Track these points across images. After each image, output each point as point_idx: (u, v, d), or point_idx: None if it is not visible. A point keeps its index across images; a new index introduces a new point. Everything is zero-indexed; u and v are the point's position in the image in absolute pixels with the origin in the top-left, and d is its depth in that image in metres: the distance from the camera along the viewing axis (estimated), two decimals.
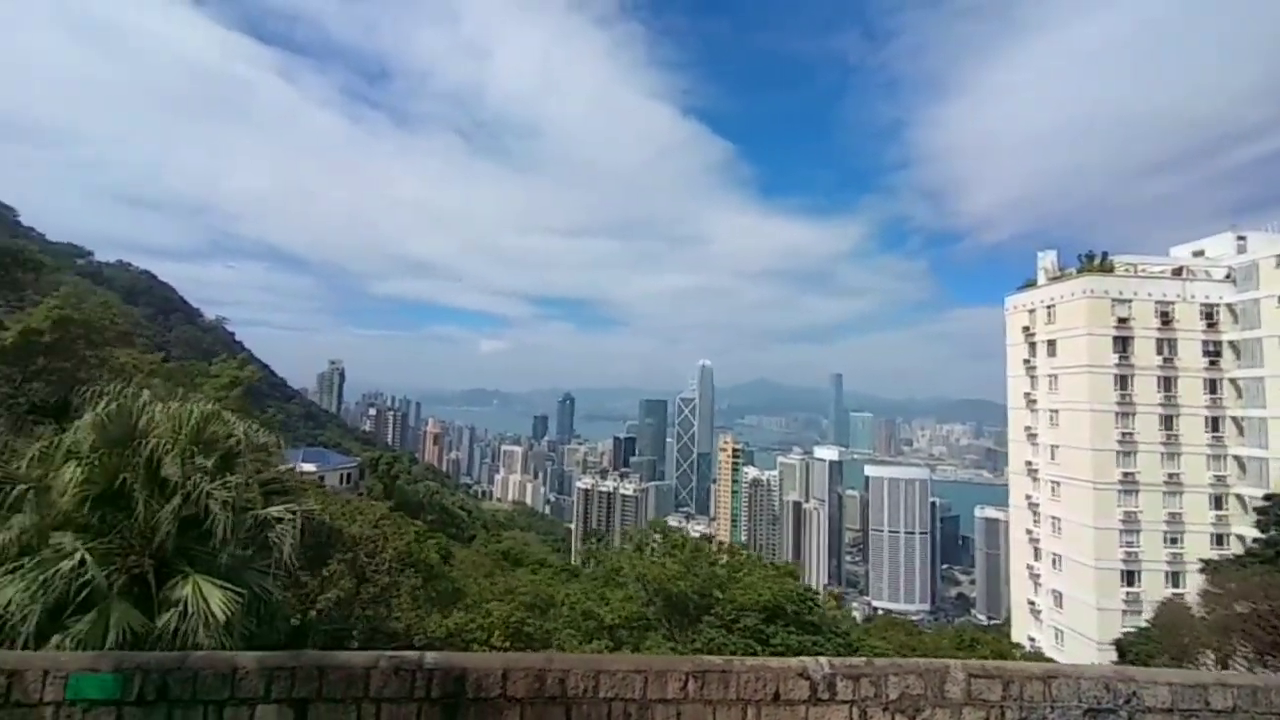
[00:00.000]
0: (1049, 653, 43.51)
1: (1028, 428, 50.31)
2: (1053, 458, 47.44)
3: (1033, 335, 49.84)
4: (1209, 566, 21.03)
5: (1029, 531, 49.75)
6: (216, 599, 8.73)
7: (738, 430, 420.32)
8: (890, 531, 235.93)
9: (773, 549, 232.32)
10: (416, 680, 5.83)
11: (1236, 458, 43.16)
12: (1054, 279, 48.61)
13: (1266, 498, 20.10)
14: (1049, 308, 48.16)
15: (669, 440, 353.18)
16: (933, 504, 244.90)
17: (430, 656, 6.05)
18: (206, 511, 9.55)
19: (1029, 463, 50.03)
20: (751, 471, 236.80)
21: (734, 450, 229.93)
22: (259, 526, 9.82)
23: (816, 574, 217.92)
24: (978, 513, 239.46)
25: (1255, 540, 18.14)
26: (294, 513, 11.14)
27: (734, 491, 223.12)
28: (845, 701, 6.50)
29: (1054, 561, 46.91)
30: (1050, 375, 47.93)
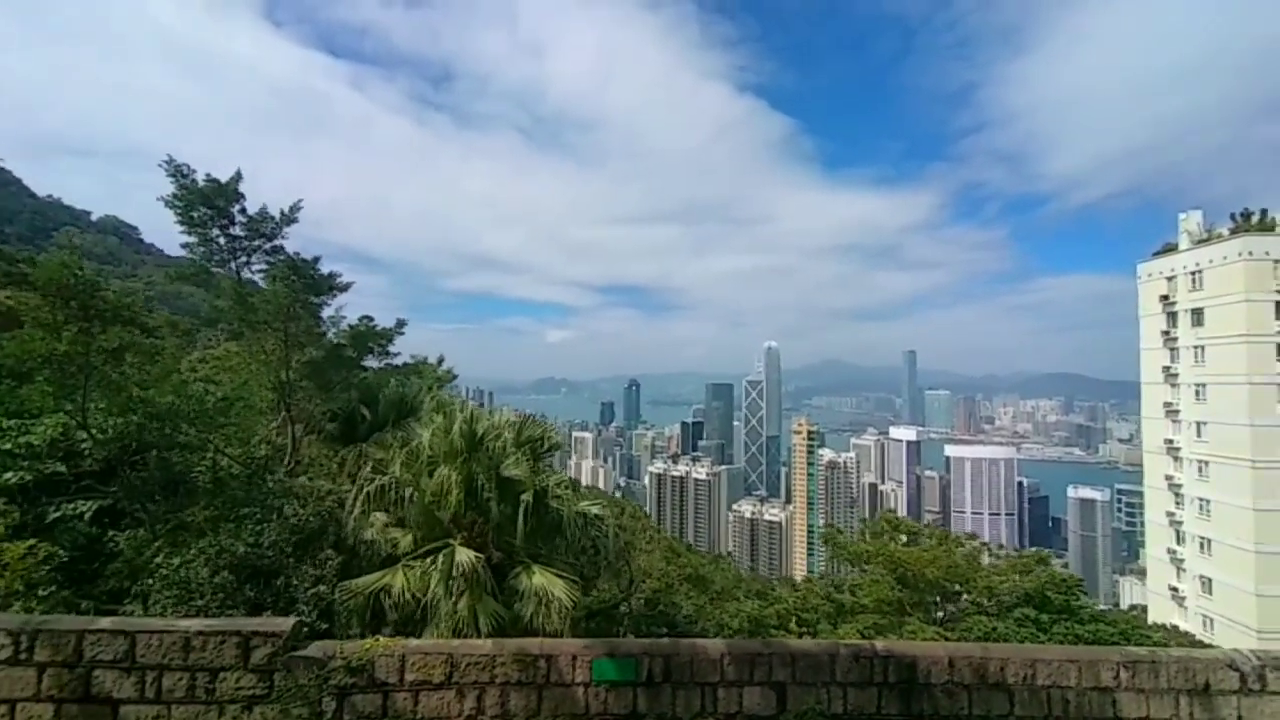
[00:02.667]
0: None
1: (1167, 404, 46.99)
2: (1199, 435, 44.18)
3: (1173, 304, 46.32)
4: None
5: (1170, 514, 46.67)
6: (560, 589, 9.45)
7: (806, 412, 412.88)
8: (974, 513, 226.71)
9: (850, 531, 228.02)
10: (874, 666, 6.22)
11: None
12: (1200, 242, 44.89)
13: None
14: (1194, 274, 44.57)
15: (736, 424, 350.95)
16: (1019, 484, 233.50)
17: (880, 644, 6.41)
18: (544, 508, 10.35)
19: (1169, 441, 46.78)
20: (827, 453, 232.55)
21: (808, 432, 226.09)
22: (586, 522, 10.56)
23: None
24: (1070, 493, 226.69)
25: None
26: (608, 509, 11.88)
27: (810, 475, 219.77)
28: (1276, 693, 6.47)
29: (1202, 545, 43.89)
30: (1195, 346, 44.48)
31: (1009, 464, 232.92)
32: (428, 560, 9.92)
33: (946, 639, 10.78)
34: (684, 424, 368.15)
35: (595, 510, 10.76)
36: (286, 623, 5.88)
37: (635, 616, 10.39)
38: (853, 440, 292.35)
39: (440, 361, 19.56)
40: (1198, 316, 44.43)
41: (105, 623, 5.66)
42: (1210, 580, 43.00)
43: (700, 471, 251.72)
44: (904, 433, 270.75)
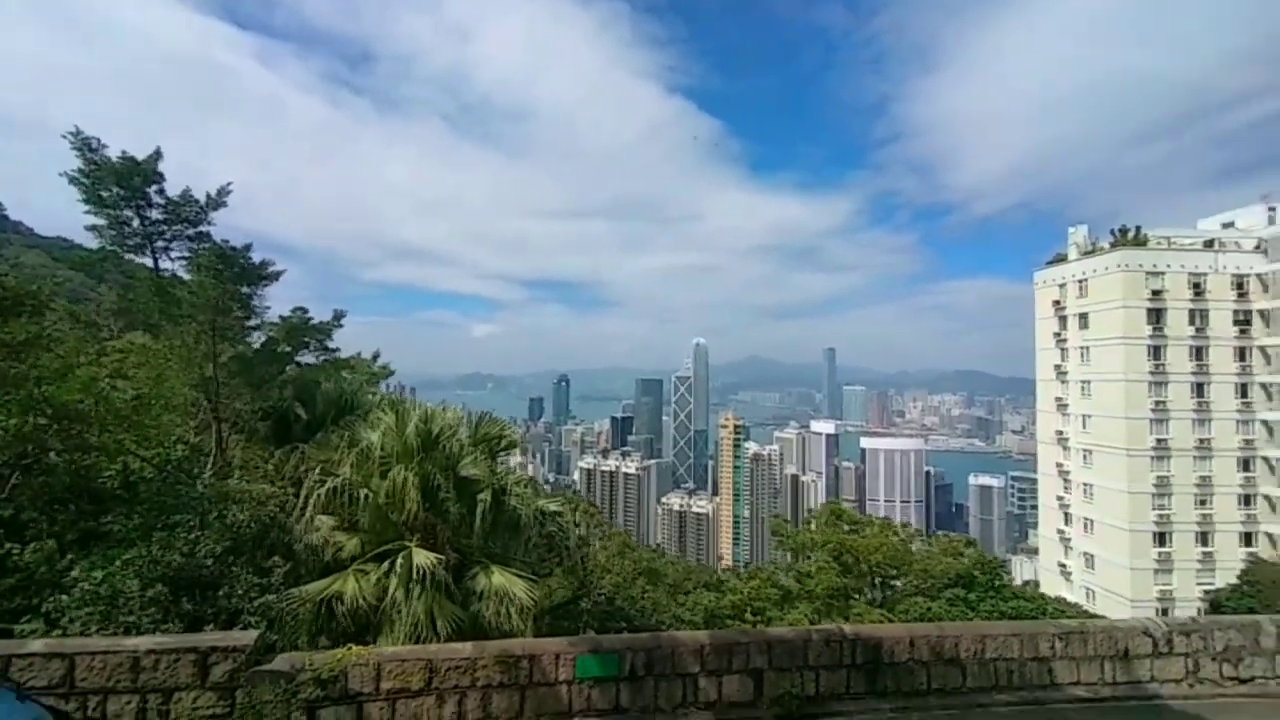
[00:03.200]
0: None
1: (1058, 399, 51.69)
2: (1084, 427, 48.89)
3: (1063, 309, 50.94)
4: None
5: (1060, 498, 51.43)
6: (520, 588, 9.37)
7: (733, 407, 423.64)
8: (886, 501, 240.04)
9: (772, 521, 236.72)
10: (844, 649, 6.58)
11: (1264, 422, 44.82)
12: (1086, 254, 49.57)
13: None
14: (1081, 282, 49.19)
15: (665, 419, 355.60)
16: (927, 473, 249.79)
17: (849, 628, 6.78)
18: (503, 506, 10.16)
19: (1059, 432, 51.51)
20: (752, 447, 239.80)
21: (735, 427, 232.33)
22: (545, 520, 10.44)
23: None
24: (971, 480, 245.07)
25: None
26: (568, 506, 11.75)
27: (736, 467, 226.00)
28: (1181, 654, 7.37)
29: (1085, 525, 48.65)
30: (1082, 347, 49.15)
31: (918, 455, 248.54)
32: (381, 564, 9.53)
33: (889, 619, 11.49)
34: (614, 419, 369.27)
35: (554, 507, 10.67)
36: (249, 636, 5.51)
37: (595, 613, 10.39)
38: (776, 434, 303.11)
39: (375, 357, 18.70)
40: (1084, 320, 49.09)
41: (37, 645, 5.11)
42: (1092, 556, 47.75)
43: (630, 466, 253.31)
44: (823, 426, 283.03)
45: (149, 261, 12.16)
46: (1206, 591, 41.88)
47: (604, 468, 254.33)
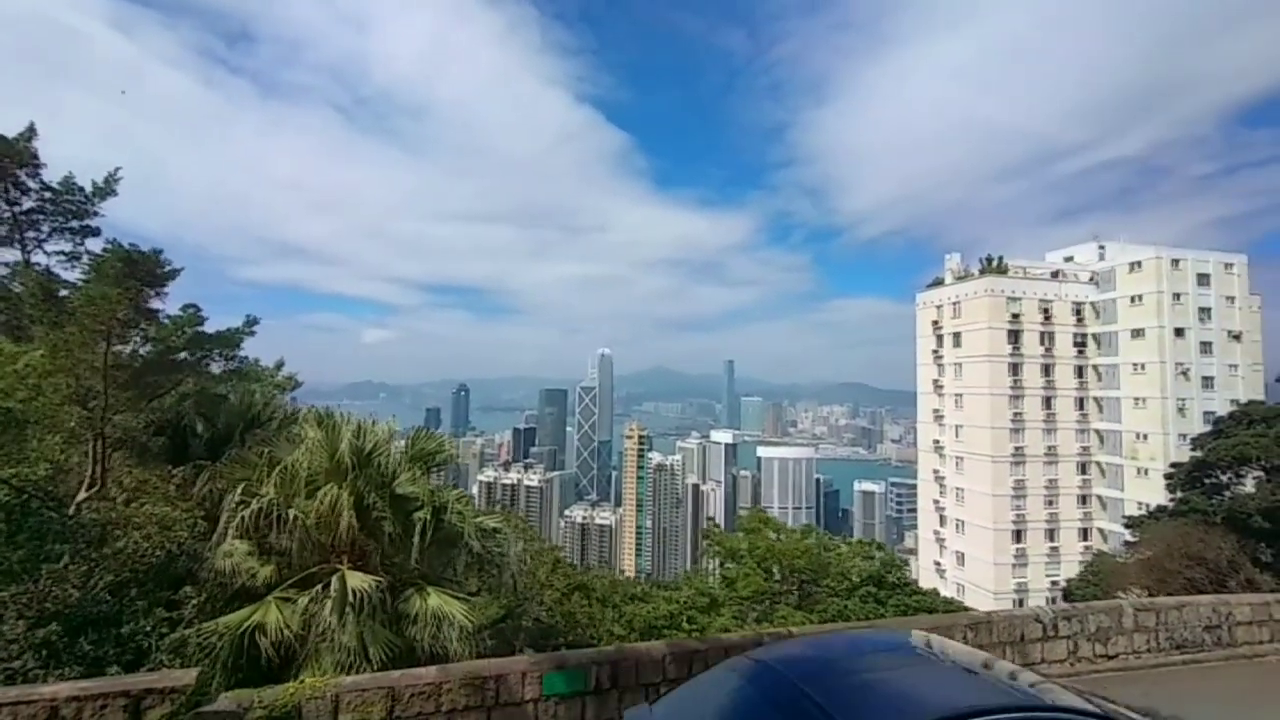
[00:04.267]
0: None
1: (935, 410, 57.01)
2: (957, 436, 54.25)
3: (940, 328, 56.42)
4: (1132, 521, 26.10)
5: (936, 501, 56.60)
6: (457, 609, 9.20)
7: (636, 417, 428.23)
8: (780, 507, 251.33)
9: (676, 530, 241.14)
10: None
11: (1097, 431, 51.93)
12: (960, 278, 55.30)
13: (1172, 465, 25.36)
14: (955, 304, 54.77)
15: (569, 429, 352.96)
16: (817, 480, 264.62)
17: (795, 630, 7.27)
18: (440, 525, 9.85)
19: (936, 441, 56.79)
20: (656, 457, 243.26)
21: (640, 437, 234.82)
22: (483, 537, 10.18)
23: None
24: (855, 486, 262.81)
25: (1169, 500, 23.01)
26: (508, 522, 11.49)
27: (640, 478, 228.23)
28: (1064, 637, 8.53)
29: (957, 526, 53.84)
30: (956, 364, 54.63)
31: (809, 463, 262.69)
32: (307, 590, 8.94)
33: (809, 620, 12.25)
34: (516, 430, 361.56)
35: (492, 524, 10.45)
36: (188, 675, 5.06)
37: (534, 630, 10.27)
38: (678, 443, 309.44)
39: (279, 366, 17.34)
40: (957, 339, 54.65)
41: None
42: (963, 554, 52.87)
43: (532, 479, 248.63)
44: (722, 436, 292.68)
45: (17, 254, 10.71)
46: (1054, 583, 47.66)
47: (505, 480, 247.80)
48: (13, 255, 10.62)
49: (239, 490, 8.64)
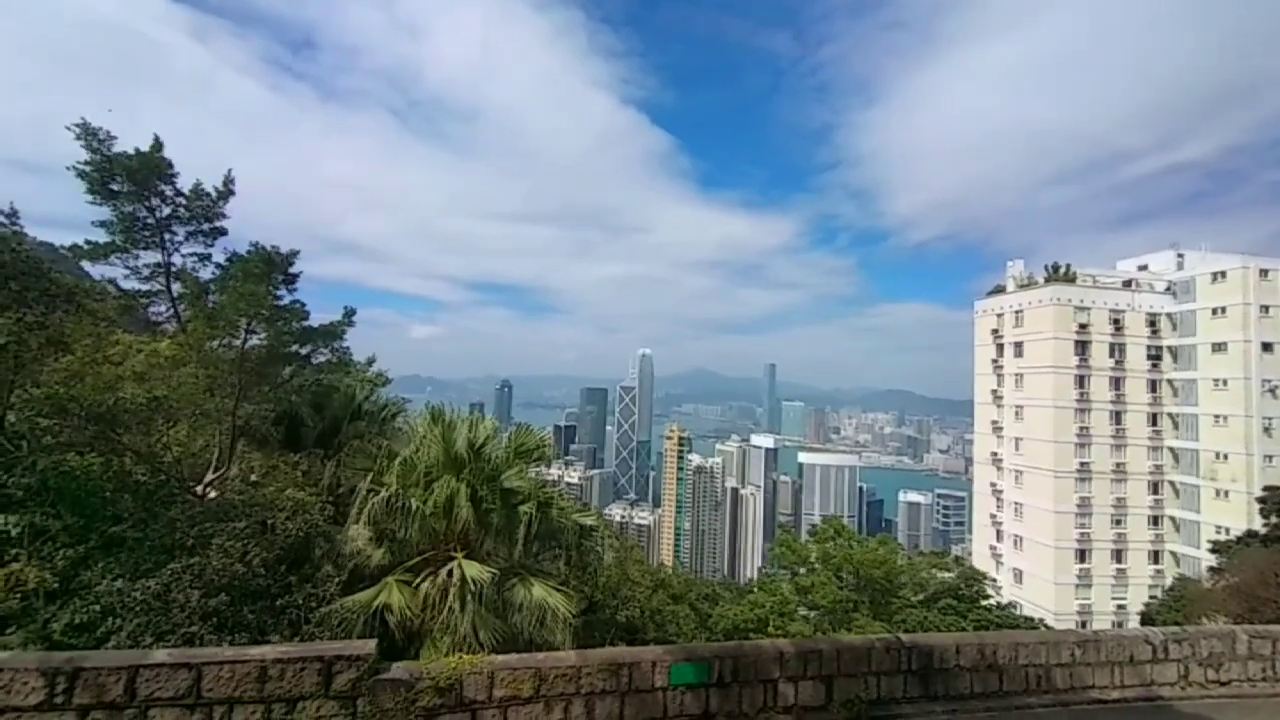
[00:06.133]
0: None
1: (994, 422, 55.28)
2: (1017, 449, 52.47)
3: (1000, 337, 54.67)
4: (1219, 545, 24.88)
5: (992, 516, 54.85)
6: (559, 601, 9.65)
7: (675, 418, 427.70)
8: (821, 515, 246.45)
9: (714, 534, 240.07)
10: (901, 656, 7.21)
11: (1171, 449, 49.42)
12: (1023, 286, 53.47)
13: (1266, 489, 24.04)
14: (1017, 313, 52.98)
15: (609, 428, 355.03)
16: (860, 488, 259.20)
17: (906, 637, 7.42)
18: (543, 519, 10.34)
19: (994, 453, 55.04)
20: (695, 459, 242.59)
21: (680, 439, 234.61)
22: (582, 534, 10.65)
23: (751, 556, 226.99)
24: (900, 497, 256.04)
25: (1264, 525, 21.82)
26: (600, 520, 11.95)
27: (680, 479, 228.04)
28: (1174, 660, 8.39)
29: (1015, 542, 52.08)
30: (1016, 374, 52.84)
31: (852, 471, 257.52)
32: (423, 574, 9.54)
33: (888, 630, 12.26)
34: (557, 427, 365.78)
35: (589, 522, 10.90)
36: (369, 645, 5.59)
37: (623, 625, 10.67)
38: (717, 446, 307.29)
39: (371, 361, 18.29)
40: (1019, 349, 52.84)
41: (162, 655, 5.05)
42: (1021, 572, 51.11)
43: (573, 475, 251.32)
44: (763, 440, 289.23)
45: (160, 257, 11.71)
46: (1120, 606, 45.63)
47: (546, 477, 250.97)
48: (155, 257, 11.59)
49: (368, 479, 9.32)
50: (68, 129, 10.61)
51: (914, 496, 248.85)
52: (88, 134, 10.63)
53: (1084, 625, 45.13)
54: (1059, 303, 49.38)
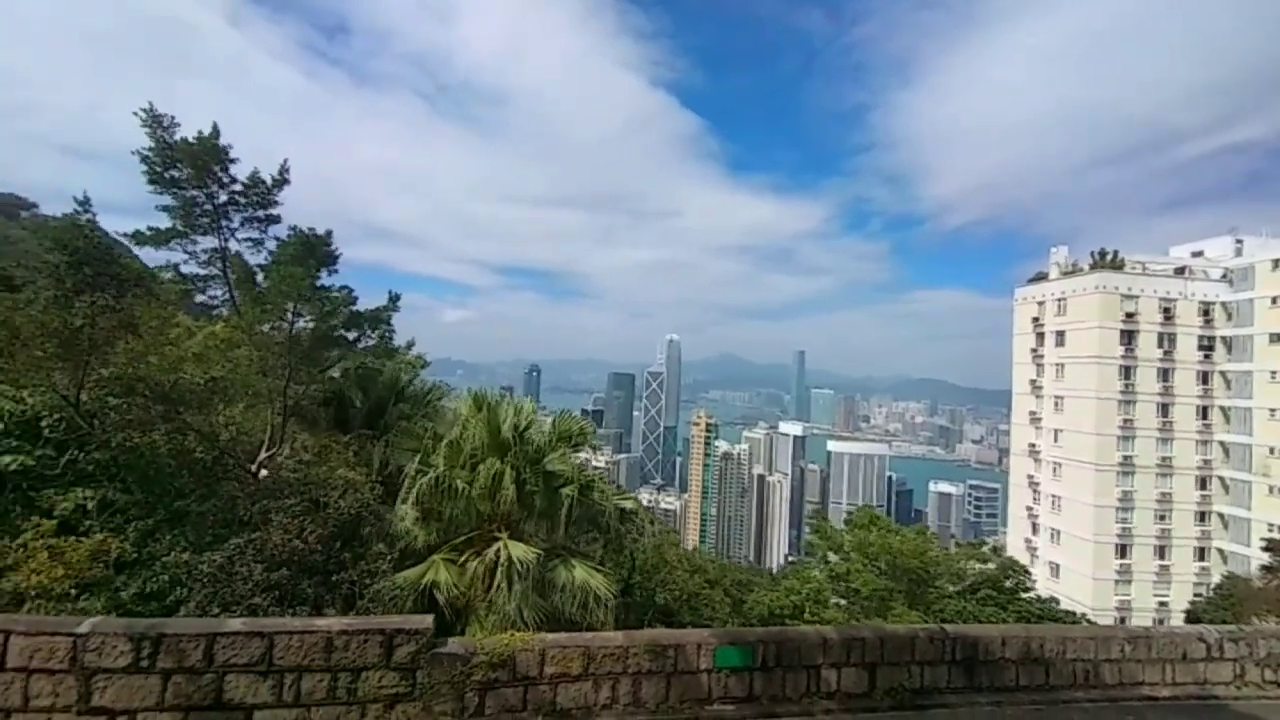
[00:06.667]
0: None
1: (1032, 412, 53.88)
2: (1056, 440, 51.11)
3: (1041, 326, 53.06)
4: (1272, 544, 24.01)
5: (1029, 508, 53.69)
6: (600, 582, 9.79)
7: (703, 404, 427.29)
8: (849, 504, 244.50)
9: (740, 520, 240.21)
10: (945, 646, 7.17)
11: (1222, 443, 47.54)
12: (1066, 273, 51.70)
13: None
14: (1060, 300, 51.32)
15: (636, 413, 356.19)
16: (889, 478, 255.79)
17: (950, 628, 7.37)
18: (583, 502, 10.49)
19: (1032, 444, 53.72)
20: (722, 445, 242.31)
21: (707, 425, 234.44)
22: (623, 517, 10.81)
23: (777, 544, 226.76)
24: (931, 487, 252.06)
25: None
26: (640, 504, 12.10)
27: (706, 465, 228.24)
28: (1230, 659, 8.17)
29: (1052, 535, 50.93)
30: (1057, 364, 51.31)
31: (881, 460, 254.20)
32: (467, 554, 9.80)
33: (925, 620, 12.19)
34: (584, 411, 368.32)
35: (629, 505, 11.05)
36: (426, 620, 5.80)
37: (661, 608, 10.83)
38: (744, 433, 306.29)
39: (410, 345, 18.66)
40: (1061, 338, 51.25)
41: (237, 624, 5.33)
42: (1058, 566, 50.03)
43: (600, 460, 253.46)
44: (791, 427, 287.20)
45: (216, 242, 12.08)
46: (1162, 603, 44.39)
47: (573, 460, 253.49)
48: (211, 243, 11.96)
49: (416, 460, 9.58)
50: (135, 114, 10.94)
51: (945, 487, 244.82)
52: (153, 120, 10.98)
53: (1123, 621, 44.05)
54: (1105, 290, 47.62)
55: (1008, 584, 14.31)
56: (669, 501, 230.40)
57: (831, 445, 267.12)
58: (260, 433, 12.21)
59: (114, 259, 8.15)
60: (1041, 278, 54.54)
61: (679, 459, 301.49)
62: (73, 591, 6.30)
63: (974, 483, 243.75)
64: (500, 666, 5.82)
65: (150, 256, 12.76)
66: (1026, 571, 15.36)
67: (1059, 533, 50.17)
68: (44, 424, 8.47)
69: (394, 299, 13.72)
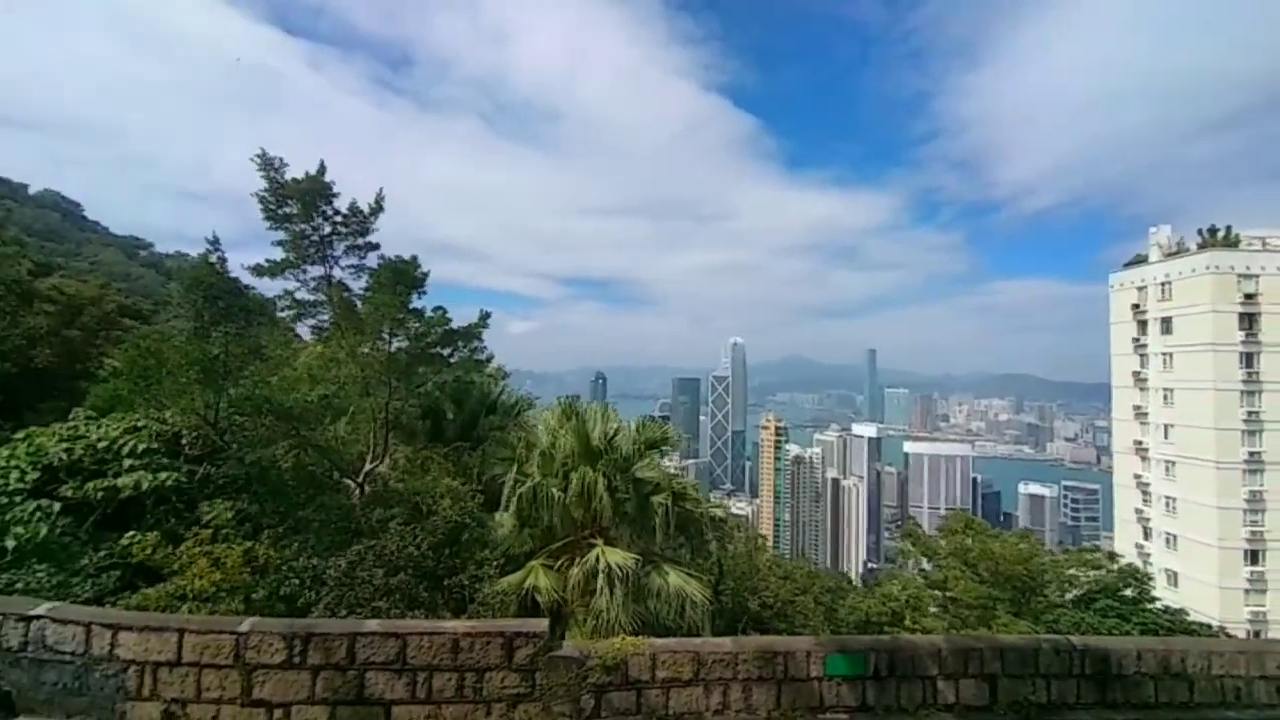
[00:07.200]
0: None
1: (1136, 407, 49.78)
2: (1166, 437, 46.99)
3: (1143, 313, 49.03)
4: None
5: (1138, 511, 49.53)
6: (695, 589, 9.77)
7: (770, 407, 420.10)
8: (930, 508, 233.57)
9: (815, 526, 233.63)
10: (1073, 659, 6.75)
11: None
12: (1170, 255, 47.62)
13: None
14: (1164, 284, 47.28)
15: (702, 418, 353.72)
16: (974, 480, 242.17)
17: (1076, 639, 6.93)
18: (674, 509, 10.55)
19: (1138, 442, 49.60)
20: (793, 449, 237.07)
21: (776, 428, 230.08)
22: (713, 524, 10.84)
23: (855, 550, 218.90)
24: (1020, 489, 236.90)
25: None
26: (726, 512, 12.11)
27: (777, 469, 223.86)
28: None
29: (1168, 540, 46.76)
30: (1164, 353, 47.24)
31: (964, 461, 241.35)
32: (561, 559, 10.07)
33: (1034, 631, 11.51)
34: (650, 417, 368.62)
35: (719, 513, 11.07)
36: (542, 624, 6.03)
37: (754, 615, 10.75)
38: (816, 436, 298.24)
39: (490, 359, 19.37)
40: (1167, 325, 47.15)
41: (374, 625, 5.72)
42: (1176, 574, 45.84)
43: (669, 465, 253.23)
44: (866, 429, 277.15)
45: (322, 270, 12.98)
46: None
47: (662, 466, 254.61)
48: (318, 271, 12.88)
49: (513, 470, 9.96)
50: (251, 160, 11.99)
51: (1036, 489, 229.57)
52: (265, 164, 12.02)
53: (1258, 635, 39.82)
54: (1218, 270, 43.47)
55: (1127, 593, 13.22)
56: (740, 507, 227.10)
57: (909, 446, 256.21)
58: (362, 446, 13.03)
59: (242, 292, 8.99)
60: (1141, 260, 50.45)
61: (748, 463, 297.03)
62: (223, 594, 6.93)
63: (1069, 484, 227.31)
64: (613, 670, 5.96)
65: (265, 285, 13.87)
66: (1149, 579, 14.12)
67: (1175, 537, 45.98)
68: (184, 441, 9.39)
69: (484, 316, 14.34)
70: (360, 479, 12.07)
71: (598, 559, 9.09)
